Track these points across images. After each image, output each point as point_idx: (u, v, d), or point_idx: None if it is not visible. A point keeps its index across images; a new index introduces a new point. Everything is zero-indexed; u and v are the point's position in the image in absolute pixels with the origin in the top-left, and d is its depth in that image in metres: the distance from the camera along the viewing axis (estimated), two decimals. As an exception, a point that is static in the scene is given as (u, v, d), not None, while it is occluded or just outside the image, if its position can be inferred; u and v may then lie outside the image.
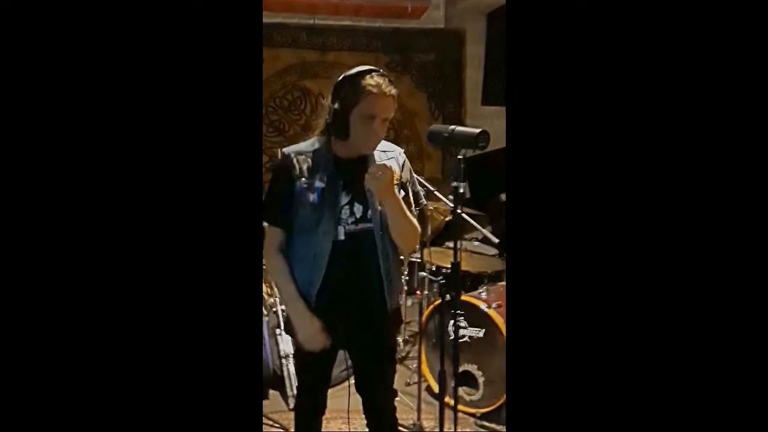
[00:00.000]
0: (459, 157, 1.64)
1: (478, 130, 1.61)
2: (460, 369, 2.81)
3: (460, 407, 2.57)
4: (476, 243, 3.57)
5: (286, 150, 1.85)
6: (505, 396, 2.82)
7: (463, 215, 1.75)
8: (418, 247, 1.86)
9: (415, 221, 1.83)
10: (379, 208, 1.78)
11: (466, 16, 5.04)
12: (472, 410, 2.93)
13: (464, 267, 1.78)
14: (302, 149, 1.83)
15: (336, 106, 1.71)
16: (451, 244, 1.84)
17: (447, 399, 1.90)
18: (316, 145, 1.82)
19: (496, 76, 4.97)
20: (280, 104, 5.07)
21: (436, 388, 2.99)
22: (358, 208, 1.80)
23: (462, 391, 2.86)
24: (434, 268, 3.33)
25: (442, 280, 3.35)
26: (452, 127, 1.68)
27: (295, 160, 1.79)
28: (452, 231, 1.84)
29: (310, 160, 1.79)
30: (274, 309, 3.26)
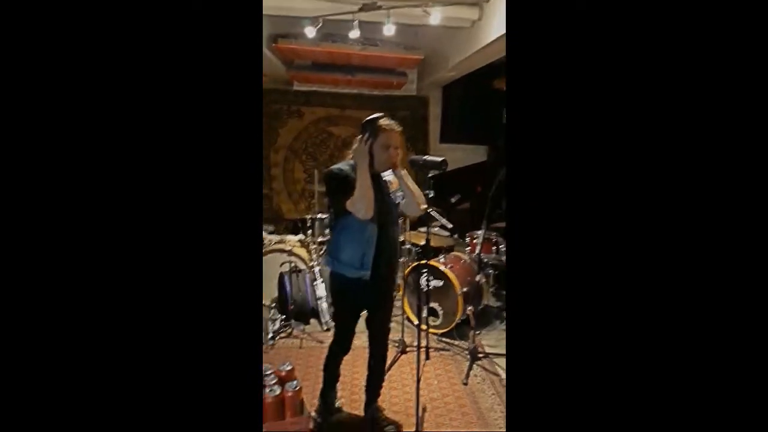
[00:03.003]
0: (429, 175, 1.66)
1: (440, 158, 1.63)
2: (428, 306, 2.83)
3: (429, 330, 2.70)
4: (437, 228, 3.59)
5: (338, 167, 1.68)
6: (454, 322, 2.82)
7: (430, 211, 1.77)
8: (424, 207, 1.74)
9: (416, 187, 1.74)
10: (394, 179, 1.70)
11: (430, 87, 5.05)
12: (435, 331, 2.92)
13: (431, 243, 1.78)
14: (347, 166, 1.68)
15: (366, 138, 1.64)
16: (424, 229, 1.85)
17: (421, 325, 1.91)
18: (351, 164, 1.68)
19: (450, 126, 5.10)
20: (314, 142, 5.13)
21: (413, 318, 2.99)
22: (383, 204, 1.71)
23: (429, 319, 2.86)
24: (411, 243, 3.36)
25: (418, 250, 3.38)
26: (424, 156, 1.69)
27: (348, 170, 1.66)
28: (424, 221, 1.84)
29: (354, 173, 1.65)
30: (312, 268, 3.26)
